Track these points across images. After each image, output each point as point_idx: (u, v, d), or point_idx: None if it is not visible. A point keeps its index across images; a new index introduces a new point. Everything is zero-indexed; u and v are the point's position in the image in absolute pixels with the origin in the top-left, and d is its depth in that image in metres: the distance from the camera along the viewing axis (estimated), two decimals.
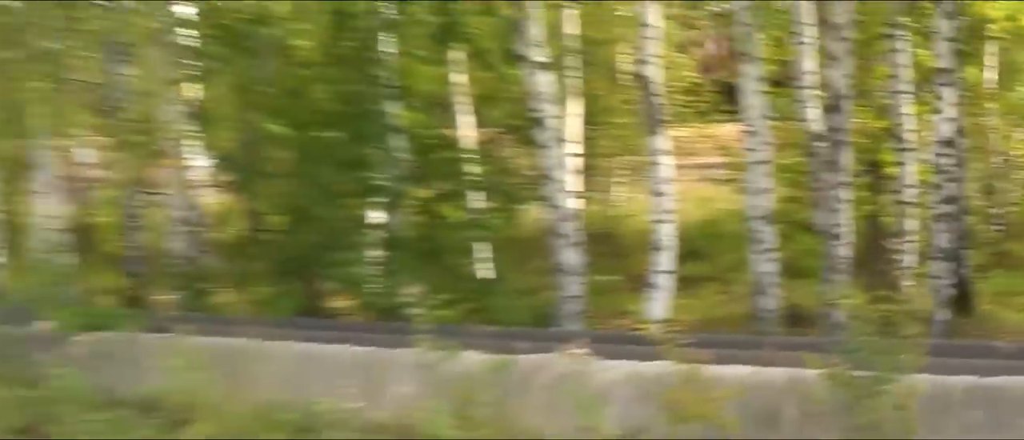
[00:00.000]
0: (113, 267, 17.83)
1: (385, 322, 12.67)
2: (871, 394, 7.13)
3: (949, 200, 13.00)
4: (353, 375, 9.35)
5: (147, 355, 10.42)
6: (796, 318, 13.28)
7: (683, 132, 17.92)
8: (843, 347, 7.50)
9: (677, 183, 14.35)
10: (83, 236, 19.26)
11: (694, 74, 18.97)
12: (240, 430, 8.38)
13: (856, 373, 7.23)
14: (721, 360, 8.08)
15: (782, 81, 14.30)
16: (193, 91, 17.28)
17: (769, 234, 13.28)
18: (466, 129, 15.89)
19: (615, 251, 16.65)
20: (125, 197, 18.15)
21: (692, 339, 7.85)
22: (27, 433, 8.73)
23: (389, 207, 15.27)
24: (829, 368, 7.36)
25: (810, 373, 7.56)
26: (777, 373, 7.94)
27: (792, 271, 13.75)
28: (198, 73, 17.22)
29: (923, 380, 7.22)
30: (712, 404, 7.54)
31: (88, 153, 21.96)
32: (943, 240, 12.88)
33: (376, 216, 15.22)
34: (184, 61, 16.94)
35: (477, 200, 15.52)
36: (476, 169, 15.63)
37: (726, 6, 16.53)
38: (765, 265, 13.24)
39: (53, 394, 9.07)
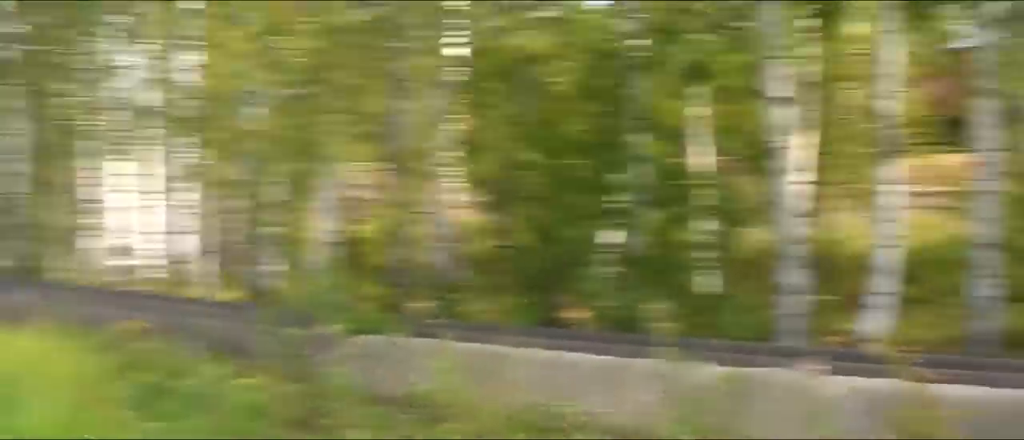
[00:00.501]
0: (377, 277, 18.19)
1: (622, 333, 12.50)
2: None
3: None
4: (594, 382, 9.19)
5: (409, 357, 10.49)
6: (1016, 342, 12.50)
7: (907, 162, 17.19)
8: None
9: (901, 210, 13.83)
10: (351, 249, 19.76)
11: (921, 108, 18.16)
12: (492, 429, 8.30)
13: None
14: (945, 380, 7.60)
15: (1011, 115, 13.53)
16: (459, 122, 17.54)
17: (993, 260, 12.62)
18: (703, 157, 15.61)
19: (835, 273, 16.02)
20: (391, 215, 18.54)
21: (917, 358, 7.42)
22: (303, 424, 8.85)
23: (627, 228, 15.15)
24: None
25: None
26: (1005, 394, 7.41)
27: (1013, 296, 12.95)
28: (465, 106, 17.48)
29: None
30: (939, 422, 7.08)
31: (361, 175, 22.59)
32: None
33: (614, 236, 15.11)
34: (454, 95, 17.21)
35: (708, 223, 15.24)
36: (709, 194, 15.38)
37: (962, 44, 15.84)
38: (986, 290, 12.58)
39: (327, 390, 9.19)
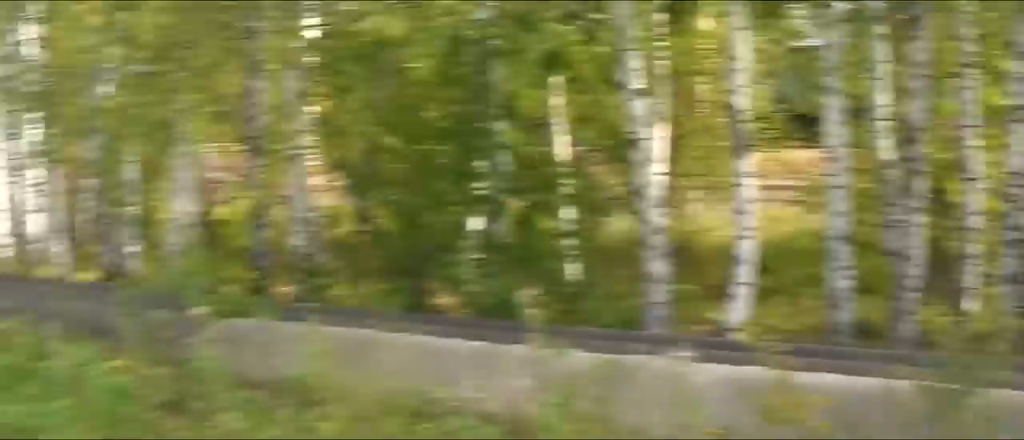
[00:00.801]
0: (239, 260, 17.93)
1: (491, 319, 12.60)
2: (959, 405, 6.89)
3: (1017, 228, 12.64)
4: (466, 367, 9.26)
5: (277, 341, 10.43)
6: (867, 331, 13.01)
7: (760, 156, 17.69)
8: (931, 360, 7.28)
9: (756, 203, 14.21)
10: (210, 231, 19.45)
11: (772, 103, 18.66)
12: (366, 414, 8.29)
13: (944, 385, 6.99)
14: (807, 368, 7.88)
15: (859, 112, 14.03)
16: (319, 105, 17.37)
17: (845, 253, 13.10)
18: (563, 147, 15.81)
19: (695, 263, 16.40)
20: (251, 197, 18.28)
21: (781, 346, 7.67)
22: (174, 408, 8.71)
23: (491, 215, 15.26)
24: (918, 379, 7.13)
25: (898, 383, 7.33)
26: (865, 382, 7.71)
27: (863, 288, 13.46)
28: (325, 89, 17.32)
29: (1008, 394, 6.99)
30: (803, 409, 7.34)
31: (219, 156, 22.20)
32: (1012, 265, 12.53)
33: (479, 223, 15.21)
34: (311, 78, 17.03)
35: (570, 211, 15.46)
36: (570, 183, 15.59)
37: (810, 42, 16.33)
38: (840, 281, 13.05)
39: (196, 373, 9.05)
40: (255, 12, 16.93)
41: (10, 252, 20.07)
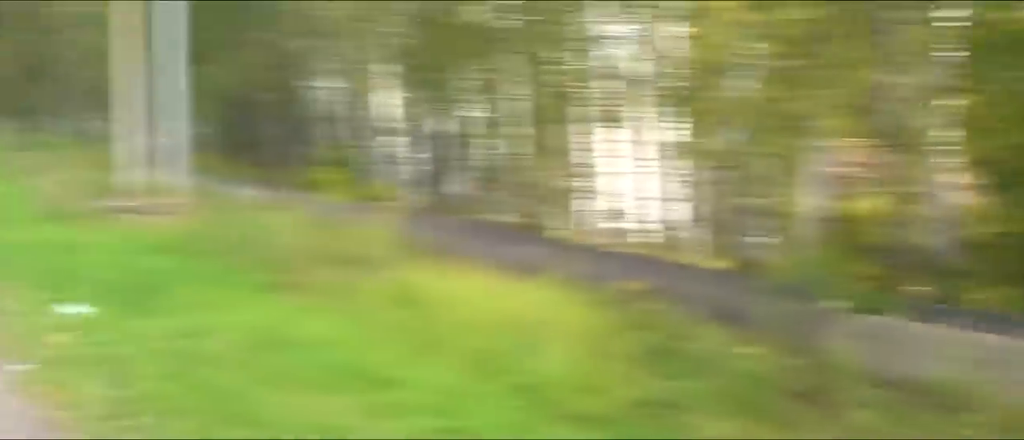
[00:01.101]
0: (869, 257, 17.49)
1: None
2: None
3: None
4: None
5: (912, 342, 10.03)
6: None
7: None
8: None
9: None
10: (840, 226, 19.15)
11: None
12: (1013, 428, 7.67)
13: None
14: None
15: None
16: (956, 98, 16.49)
17: None
18: None
19: None
20: (883, 193, 17.79)
21: None
22: (806, 398, 8.62)
23: None
24: None
25: None
26: None
27: None
28: (962, 82, 16.41)
29: None
30: None
31: (850, 151, 21.85)
32: None
33: None
34: (949, 70, 16.20)
35: None
36: None
37: None
38: None
39: (829, 366, 8.92)
40: (897, 4, 16.41)
41: (653, 237, 21.10)
